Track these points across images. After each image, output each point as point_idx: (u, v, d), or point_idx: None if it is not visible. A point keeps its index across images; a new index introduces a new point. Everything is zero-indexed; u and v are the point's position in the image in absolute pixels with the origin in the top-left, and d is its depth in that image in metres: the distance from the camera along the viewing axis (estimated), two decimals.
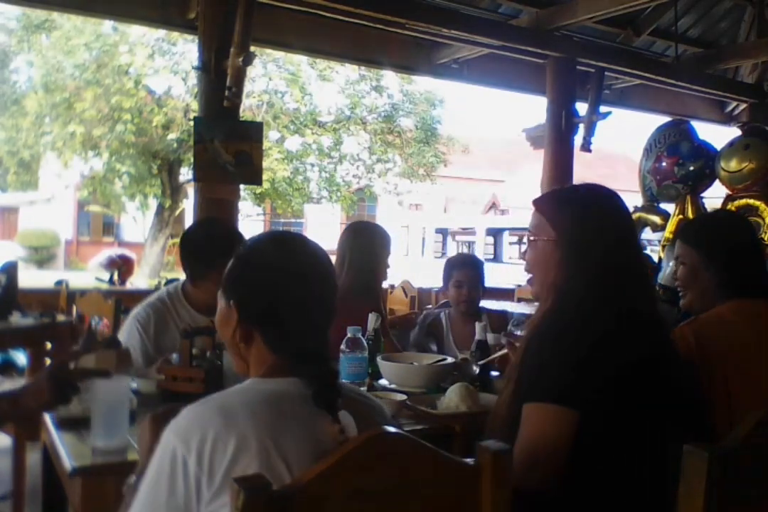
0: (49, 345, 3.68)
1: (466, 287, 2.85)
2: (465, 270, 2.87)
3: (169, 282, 3.95)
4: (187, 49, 12.40)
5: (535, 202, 1.50)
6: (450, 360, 2.23)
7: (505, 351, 1.89)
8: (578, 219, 1.43)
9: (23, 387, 1.47)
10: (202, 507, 0.97)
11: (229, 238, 2.18)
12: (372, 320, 2.28)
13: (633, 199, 5.57)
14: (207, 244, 2.22)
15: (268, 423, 1.01)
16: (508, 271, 12.34)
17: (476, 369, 2.17)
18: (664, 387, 1.35)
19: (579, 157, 5.56)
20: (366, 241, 2.74)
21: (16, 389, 1.46)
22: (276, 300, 1.13)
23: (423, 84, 14.94)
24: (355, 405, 1.13)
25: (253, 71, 12.51)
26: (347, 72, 14.18)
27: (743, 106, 6.95)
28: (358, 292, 2.63)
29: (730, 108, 7.23)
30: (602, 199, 1.49)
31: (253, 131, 4.13)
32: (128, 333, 2.23)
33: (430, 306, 4.38)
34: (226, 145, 3.89)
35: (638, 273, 1.44)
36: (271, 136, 13.82)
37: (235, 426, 0.99)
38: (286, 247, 1.19)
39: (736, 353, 1.63)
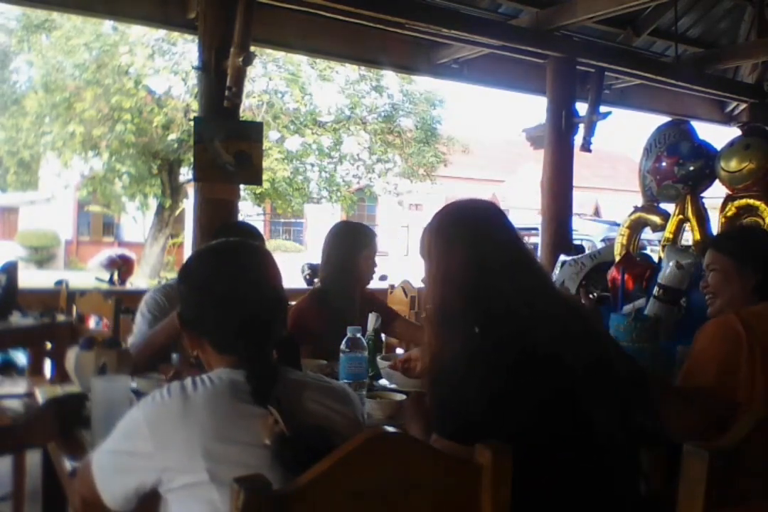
0: (49, 345, 3.68)
1: None
2: None
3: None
4: (187, 49, 12.39)
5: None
6: None
7: None
8: (432, 240, 1.44)
9: (26, 421, 1.48)
10: (153, 477, 1.11)
11: (251, 229, 2.46)
12: (372, 320, 2.28)
13: (633, 199, 5.57)
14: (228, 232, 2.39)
15: (222, 412, 1.12)
16: None
17: None
18: (585, 413, 1.29)
19: (579, 157, 5.55)
20: (341, 241, 2.68)
21: (18, 423, 1.47)
22: (206, 311, 1.24)
23: (423, 84, 14.95)
24: (312, 389, 1.23)
25: (253, 71, 12.51)
26: (347, 72, 14.18)
27: (743, 106, 6.95)
28: (335, 294, 2.60)
29: (730, 108, 7.23)
30: (450, 212, 1.48)
31: (253, 131, 4.12)
32: (151, 300, 2.34)
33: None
34: (226, 145, 3.89)
35: (511, 272, 1.36)
36: (271, 136, 13.82)
37: (193, 415, 1.11)
38: (214, 260, 1.29)
39: None
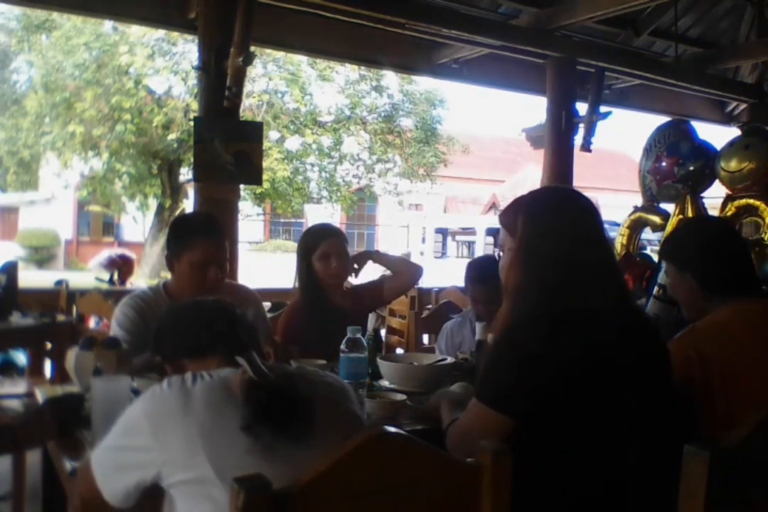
0: (49, 345, 3.68)
1: (481, 304, 2.68)
2: (480, 287, 2.68)
3: None
4: (187, 49, 12.40)
5: (499, 216, 1.54)
6: (450, 360, 2.23)
7: None
8: (528, 223, 1.45)
9: (24, 420, 1.49)
10: (153, 471, 1.12)
11: (206, 220, 2.39)
12: (372, 320, 2.28)
13: (633, 199, 5.57)
14: (187, 224, 2.41)
15: (221, 405, 1.14)
16: None
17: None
18: (615, 387, 1.33)
19: (579, 157, 5.55)
20: (298, 246, 2.67)
21: (16, 421, 1.48)
22: (177, 340, 1.36)
23: (423, 84, 14.96)
24: (314, 384, 1.26)
25: (253, 71, 12.51)
26: (347, 72, 14.18)
27: (743, 106, 6.95)
28: (307, 298, 2.58)
29: (730, 108, 7.23)
30: (554, 199, 1.51)
31: (253, 131, 4.12)
32: (121, 316, 2.27)
33: (430, 306, 4.37)
34: (226, 145, 3.89)
35: (594, 271, 1.40)
36: (271, 136, 13.82)
37: (192, 408, 1.13)
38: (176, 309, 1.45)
39: (735, 360, 1.61)
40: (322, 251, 2.57)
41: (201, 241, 2.20)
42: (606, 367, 1.33)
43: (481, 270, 2.72)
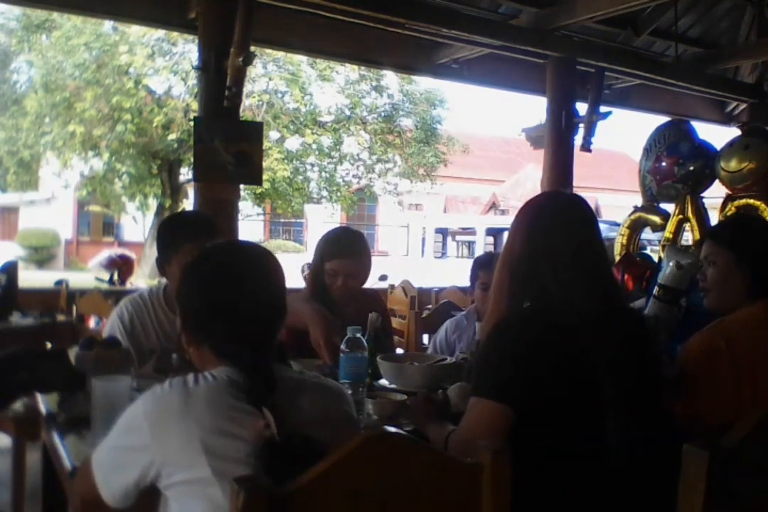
0: (49, 345, 3.68)
1: (488, 289, 2.71)
2: (489, 272, 2.74)
3: None
4: (187, 49, 12.41)
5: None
6: (450, 360, 2.23)
7: None
8: (524, 226, 1.51)
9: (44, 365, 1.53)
10: (152, 471, 1.11)
11: (195, 223, 2.27)
12: (372, 320, 2.27)
13: (633, 199, 5.57)
14: (175, 226, 2.28)
15: (223, 408, 1.12)
16: None
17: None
18: (599, 388, 1.36)
19: (579, 157, 5.55)
20: (316, 248, 2.53)
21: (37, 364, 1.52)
22: (206, 317, 1.23)
23: (423, 84, 14.97)
24: (312, 389, 1.24)
25: (253, 71, 12.51)
26: (347, 72, 14.19)
27: (743, 106, 6.95)
28: (312, 298, 2.44)
29: (730, 108, 7.22)
30: (545, 205, 1.55)
31: (253, 131, 4.13)
32: (110, 327, 2.24)
33: (430, 306, 4.37)
34: (226, 145, 3.89)
35: (587, 275, 1.44)
36: (271, 136, 13.82)
37: (192, 409, 1.11)
38: (216, 265, 1.26)
39: (761, 353, 1.63)
40: (333, 267, 2.42)
41: (188, 244, 2.05)
42: (593, 364, 1.36)
43: (488, 257, 2.89)
